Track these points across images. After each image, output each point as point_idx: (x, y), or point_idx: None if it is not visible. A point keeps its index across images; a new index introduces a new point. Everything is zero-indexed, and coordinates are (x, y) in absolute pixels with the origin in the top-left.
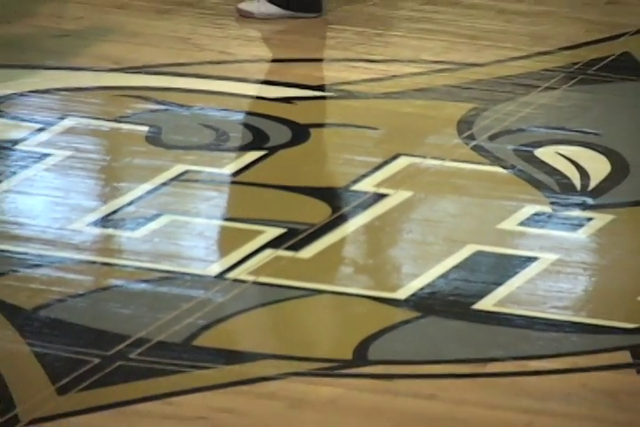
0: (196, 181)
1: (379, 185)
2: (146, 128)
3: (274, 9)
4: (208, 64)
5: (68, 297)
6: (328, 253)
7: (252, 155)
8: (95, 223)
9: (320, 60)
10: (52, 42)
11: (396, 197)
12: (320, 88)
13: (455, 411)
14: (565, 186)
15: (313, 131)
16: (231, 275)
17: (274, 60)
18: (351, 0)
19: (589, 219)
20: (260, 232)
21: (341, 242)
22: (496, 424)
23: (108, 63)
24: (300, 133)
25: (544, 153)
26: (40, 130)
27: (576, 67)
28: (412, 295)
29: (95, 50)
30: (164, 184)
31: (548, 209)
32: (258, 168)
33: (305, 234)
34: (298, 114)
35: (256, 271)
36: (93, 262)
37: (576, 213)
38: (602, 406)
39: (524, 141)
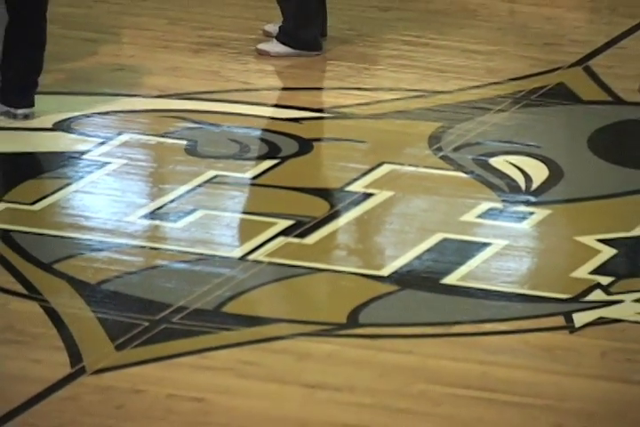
0: (224, 183)
1: (367, 186)
2: (184, 142)
3: (285, 49)
4: (233, 92)
5: (124, 274)
6: (327, 239)
7: (268, 163)
8: (145, 216)
9: (321, 89)
10: (110, 75)
11: (381, 196)
12: (320, 110)
13: (427, 363)
14: (513, 187)
15: (315, 144)
16: (251, 257)
17: (284, 89)
18: (345, 42)
19: (532, 213)
20: (273, 223)
21: (338, 231)
22: (459, 373)
23: (155, 91)
24: (305, 146)
25: (496, 161)
26: (101, 143)
27: (521, 94)
28: (393, 273)
29: (144, 80)
30: (199, 186)
31: (499, 205)
32: (272, 173)
33: (309, 225)
34: (303, 131)
35: (271, 254)
36: (143, 247)
37: (521, 208)
38: (541, 359)
39: (480, 152)
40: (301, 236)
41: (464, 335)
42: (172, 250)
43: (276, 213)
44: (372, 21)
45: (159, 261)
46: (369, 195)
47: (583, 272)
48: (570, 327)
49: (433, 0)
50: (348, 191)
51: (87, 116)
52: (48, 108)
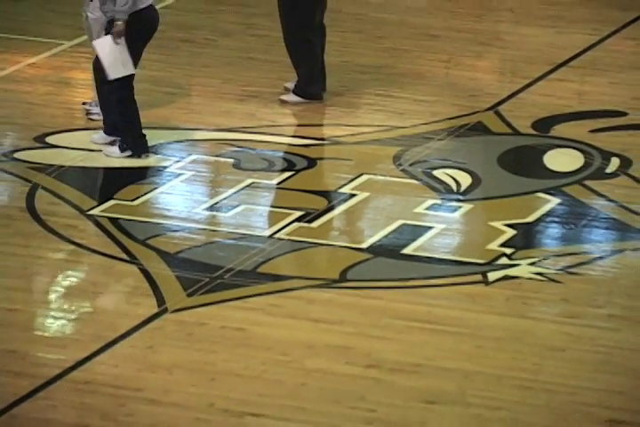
0: (258, 187)
1: (352, 189)
2: (232, 160)
3: (298, 99)
4: (264, 127)
5: (193, 247)
6: (326, 224)
7: (287, 174)
8: (207, 209)
9: (322, 125)
10: (182, 117)
11: (361, 195)
12: (322, 139)
13: (391, 305)
14: (448, 190)
15: (318, 161)
16: (276, 236)
17: (298, 125)
18: (338, 94)
19: (460, 207)
20: (290, 214)
21: (333, 219)
22: (412, 312)
23: (213, 127)
24: (311, 163)
25: (438, 173)
26: (177, 161)
27: (454, 129)
28: (370, 246)
29: (206, 119)
30: (242, 189)
31: (439, 202)
32: (290, 181)
33: (314, 215)
34: (310, 152)
35: (289, 234)
36: (205, 229)
37: (454, 203)
38: (466, 302)
39: (427, 166)
40: (309, 222)
41: (416, 287)
42: (224, 231)
43: (292, 207)
44: (355, 81)
45: (215, 239)
46: (353, 195)
47: (494, 245)
48: (485, 282)
49: (395, 66)
50: (339, 192)
51: (168, 143)
52: None
